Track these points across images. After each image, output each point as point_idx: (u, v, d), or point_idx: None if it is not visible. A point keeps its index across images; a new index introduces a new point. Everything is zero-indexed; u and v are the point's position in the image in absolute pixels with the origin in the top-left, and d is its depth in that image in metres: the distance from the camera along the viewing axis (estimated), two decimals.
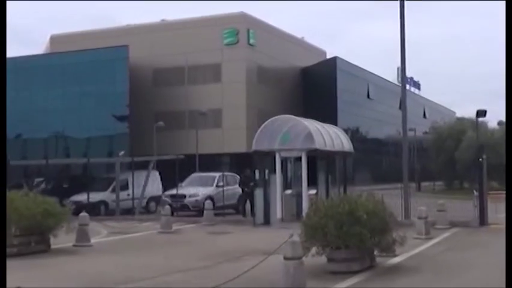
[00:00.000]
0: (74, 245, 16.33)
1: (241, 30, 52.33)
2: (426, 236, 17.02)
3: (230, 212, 26.55)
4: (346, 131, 26.09)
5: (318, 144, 21.04)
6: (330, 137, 22.31)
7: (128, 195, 27.15)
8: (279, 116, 22.43)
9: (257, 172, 22.22)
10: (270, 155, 21.98)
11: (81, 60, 51.66)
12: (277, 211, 21.49)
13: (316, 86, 58.88)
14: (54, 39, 59.77)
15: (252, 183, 22.92)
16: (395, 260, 12.65)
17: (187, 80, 53.73)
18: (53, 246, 15.61)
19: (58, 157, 46.65)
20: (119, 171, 27.00)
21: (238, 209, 26.33)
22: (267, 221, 21.76)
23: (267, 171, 22.14)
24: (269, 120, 21.96)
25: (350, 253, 11.28)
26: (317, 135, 21.34)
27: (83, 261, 14.05)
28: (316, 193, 21.19)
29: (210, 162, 43.91)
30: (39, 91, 52.47)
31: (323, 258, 11.50)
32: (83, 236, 16.60)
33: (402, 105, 23.61)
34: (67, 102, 51.51)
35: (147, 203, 28.47)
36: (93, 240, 17.42)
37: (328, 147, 21.78)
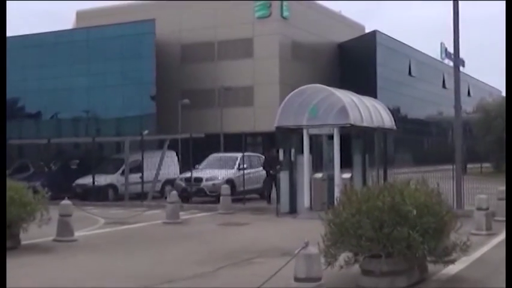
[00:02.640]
0: (55, 240, 13.43)
1: (273, 2, 49.62)
2: (487, 232, 13.67)
3: (254, 197, 23.36)
4: None
5: (354, 119, 17.66)
6: (368, 110, 18.92)
7: (140, 178, 24.13)
8: (307, 86, 19.03)
9: (281, 152, 18.98)
10: (297, 132, 18.75)
11: (105, 36, 50.05)
12: (305, 198, 18.23)
13: (354, 62, 55.96)
14: (80, 15, 58.37)
15: (278, 165, 19.66)
16: (453, 268, 9.30)
17: (217, 55, 51.39)
18: (27, 242, 12.72)
19: (88, 136, 44.66)
20: (128, 152, 23.90)
21: (263, 195, 23.07)
22: (292, 210, 18.56)
23: (293, 151, 18.89)
24: (296, 90, 18.64)
25: (393, 263, 8.07)
26: (352, 108, 17.99)
27: (50, 264, 11.06)
28: (351, 177, 17.89)
29: (240, 142, 41.14)
30: (64, 68, 50.74)
31: (355, 269, 8.35)
32: (65, 229, 13.63)
33: (455, 83, 20.10)
34: (92, 80, 49.81)
35: (163, 186, 25.29)
36: (81, 233, 14.54)
37: (366, 123, 18.38)
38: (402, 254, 7.99)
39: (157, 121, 46.91)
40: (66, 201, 13.90)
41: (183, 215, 18.44)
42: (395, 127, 20.79)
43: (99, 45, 49.91)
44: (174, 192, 17.61)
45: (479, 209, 13.98)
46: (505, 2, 10.88)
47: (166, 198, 18.15)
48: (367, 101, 20.03)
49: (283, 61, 50.18)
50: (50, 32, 52.29)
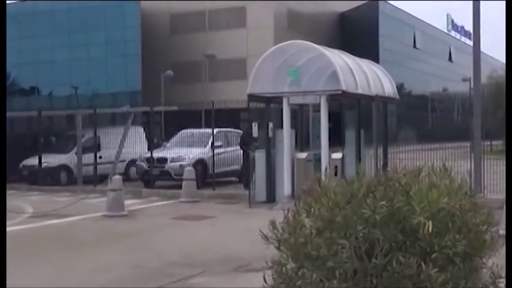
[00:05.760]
0: None
1: None
2: None
3: (232, 181, 19.75)
4: None
5: (346, 85, 14.07)
6: (365, 75, 15.32)
7: (100, 157, 20.61)
8: (289, 42, 15.37)
9: (255, 127, 15.43)
10: (276, 102, 15.20)
11: (87, 5, 46.78)
12: (286, 184, 14.71)
13: (355, 32, 53.13)
14: None
15: (253, 143, 16.16)
16: None
17: (208, 25, 48.17)
18: None
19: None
20: (80, 127, 20.26)
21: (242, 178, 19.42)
22: (270, 198, 15.05)
23: (271, 126, 15.34)
24: (274, 48, 15.05)
25: None
26: (345, 72, 14.40)
27: None
28: (343, 157, 14.36)
29: (231, 117, 37.96)
30: (44, 39, 47.81)
31: None
32: None
33: (474, 54, 16.64)
34: (73, 52, 46.89)
35: (127, 167, 21.72)
36: None
37: (361, 90, 14.77)
38: None
39: (143, 95, 43.92)
40: None
41: (138, 204, 15.08)
42: (397, 96, 17.18)
43: (81, 14, 46.89)
44: (117, 177, 13.97)
45: None
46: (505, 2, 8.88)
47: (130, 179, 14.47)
48: (365, 64, 16.42)
49: (279, 31, 46.98)
50: (29, 2, 49.14)
